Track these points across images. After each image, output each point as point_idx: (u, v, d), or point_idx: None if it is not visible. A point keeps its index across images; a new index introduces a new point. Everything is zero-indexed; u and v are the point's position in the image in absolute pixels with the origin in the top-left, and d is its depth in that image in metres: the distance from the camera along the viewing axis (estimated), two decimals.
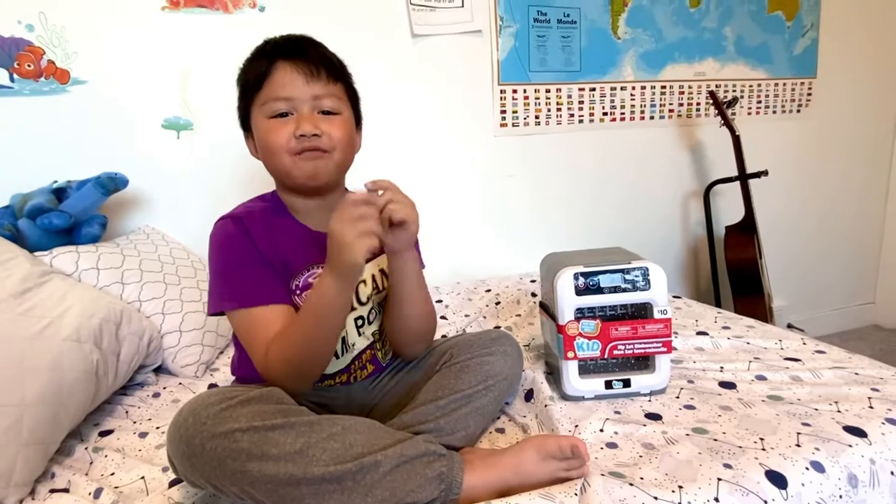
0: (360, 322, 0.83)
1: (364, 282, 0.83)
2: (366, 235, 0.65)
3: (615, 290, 0.87)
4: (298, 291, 0.77)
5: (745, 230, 1.84)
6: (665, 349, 0.87)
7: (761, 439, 0.72)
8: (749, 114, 2.02)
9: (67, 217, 1.12)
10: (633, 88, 1.84)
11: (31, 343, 0.82)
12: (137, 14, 1.30)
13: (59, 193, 1.18)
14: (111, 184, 1.19)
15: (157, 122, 1.36)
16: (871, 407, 0.79)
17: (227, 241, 0.75)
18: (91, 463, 0.81)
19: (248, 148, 0.83)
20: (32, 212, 1.12)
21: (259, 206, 0.80)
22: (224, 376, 1.11)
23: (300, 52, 0.75)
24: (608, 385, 0.88)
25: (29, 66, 1.24)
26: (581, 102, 1.78)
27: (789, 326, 2.01)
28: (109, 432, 0.90)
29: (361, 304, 0.82)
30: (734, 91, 1.97)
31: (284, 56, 0.75)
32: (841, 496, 0.66)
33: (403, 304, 0.80)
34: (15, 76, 1.23)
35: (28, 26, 1.23)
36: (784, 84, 2.05)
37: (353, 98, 0.82)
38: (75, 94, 1.28)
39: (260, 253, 0.74)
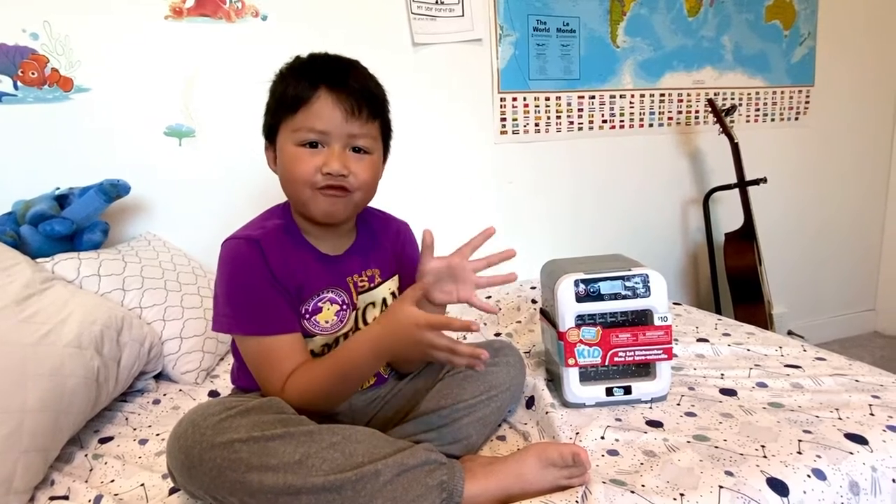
0: None
1: (373, 304, 0.83)
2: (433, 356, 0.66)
3: (616, 296, 0.87)
4: (308, 315, 0.76)
5: (745, 237, 1.84)
6: (666, 356, 0.87)
7: (762, 446, 0.72)
8: (748, 121, 2.03)
9: (69, 224, 1.13)
10: (633, 96, 1.85)
11: (32, 349, 0.82)
12: (141, 23, 1.31)
13: (62, 200, 1.19)
14: (113, 191, 1.19)
15: (159, 129, 1.37)
16: (871, 414, 0.79)
17: (241, 265, 0.72)
18: (91, 470, 0.81)
19: (267, 159, 0.79)
20: (35, 218, 1.12)
21: (273, 226, 0.76)
22: (224, 383, 1.10)
23: (345, 82, 0.72)
24: (609, 392, 0.88)
25: (33, 73, 1.24)
26: (580, 110, 1.79)
27: (790, 333, 2.01)
28: (109, 439, 0.90)
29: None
30: (732, 99, 1.98)
31: (329, 83, 0.71)
32: None
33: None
34: (19, 84, 1.24)
35: (32, 34, 1.24)
36: (782, 92, 2.06)
37: (386, 134, 0.80)
38: (78, 101, 1.29)
39: (274, 278, 0.72)
